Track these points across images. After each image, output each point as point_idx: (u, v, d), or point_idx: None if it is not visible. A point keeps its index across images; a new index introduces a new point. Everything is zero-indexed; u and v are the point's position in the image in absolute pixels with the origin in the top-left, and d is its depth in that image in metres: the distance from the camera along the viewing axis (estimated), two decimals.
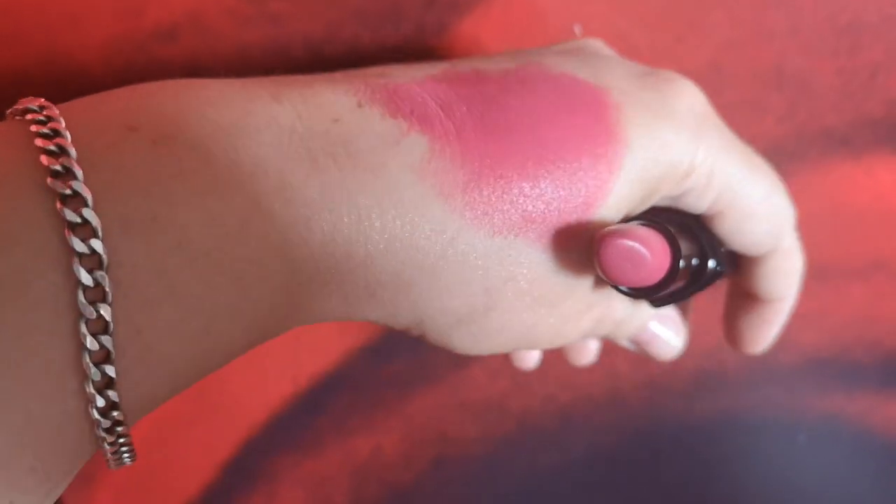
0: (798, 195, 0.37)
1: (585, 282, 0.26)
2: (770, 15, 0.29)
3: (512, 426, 0.41)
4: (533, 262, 0.25)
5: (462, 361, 0.40)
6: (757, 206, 0.28)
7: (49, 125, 0.19)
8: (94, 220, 0.18)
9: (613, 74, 0.26)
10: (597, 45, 0.28)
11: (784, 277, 0.31)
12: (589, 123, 0.24)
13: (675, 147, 0.25)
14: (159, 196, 0.19)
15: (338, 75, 0.24)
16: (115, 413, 0.19)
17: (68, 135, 0.19)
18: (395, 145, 0.22)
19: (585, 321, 0.27)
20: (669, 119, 0.25)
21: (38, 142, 0.19)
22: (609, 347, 0.40)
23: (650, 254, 0.24)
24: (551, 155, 0.24)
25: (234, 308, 0.21)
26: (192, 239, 0.20)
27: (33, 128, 0.19)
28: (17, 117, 0.20)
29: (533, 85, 0.24)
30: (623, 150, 0.24)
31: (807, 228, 0.37)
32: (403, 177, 0.22)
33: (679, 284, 0.26)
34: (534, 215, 0.24)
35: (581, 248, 0.25)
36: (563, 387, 0.41)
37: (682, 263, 0.25)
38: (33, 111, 0.20)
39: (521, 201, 0.24)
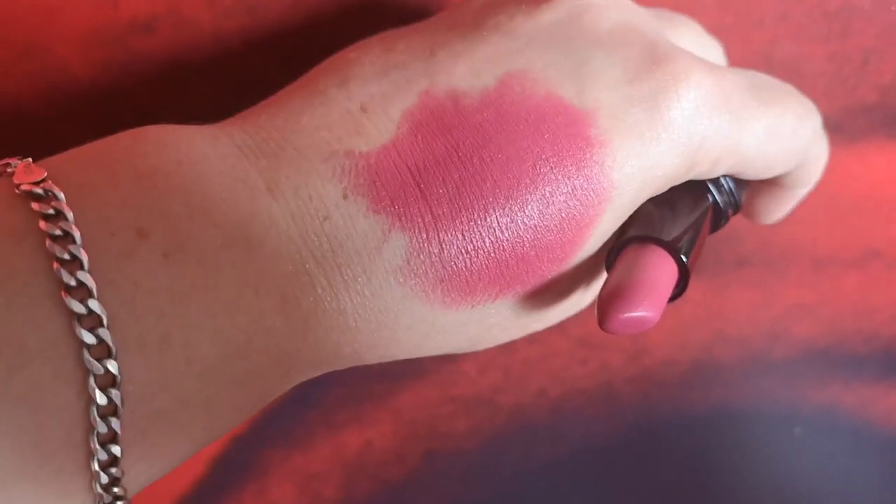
0: None
1: (575, 293, 0.26)
2: (759, 0, 0.29)
3: (503, 421, 0.41)
4: (515, 307, 0.25)
5: (452, 356, 0.39)
6: (774, 157, 0.27)
7: (57, 223, 0.19)
8: (110, 341, 0.19)
9: (602, 84, 0.24)
10: (596, 12, 0.25)
11: (807, 173, 0.30)
12: (571, 174, 0.23)
13: (669, 167, 0.25)
14: (173, 316, 0.20)
15: (319, 117, 0.23)
16: (118, 503, 0.21)
17: (78, 235, 0.19)
18: (378, 251, 0.23)
19: (587, 296, 0.28)
20: (664, 137, 0.24)
21: (49, 244, 0.19)
22: (600, 341, 0.40)
23: (656, 308, 0.23)
24: (528, 221, 0.23)
25: (237, 407, 0.22)
26: (200, 356, 0.20)
27: (42, 225, 0.19)
28: (16, 189, 0.20)
29: (514, 127, 0.23)
30: (610, 193, 0.24)
31: (800, 218, 0.37)
32: (387, 282, 0.23)
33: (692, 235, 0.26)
34: (513, 280, 0.24)
35: (562, 280, 0.25)
36: (555, 381, 0.41)
37: (689, 239, 0.25)
38: (37, 197, 0.20)
39: (499, 272, 0.24)
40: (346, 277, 0.22)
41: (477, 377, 0.40)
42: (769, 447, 0.44)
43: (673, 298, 0.25)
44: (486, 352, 0.39)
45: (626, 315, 0.23)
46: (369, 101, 0.23)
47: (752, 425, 0.43)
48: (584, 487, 0.44)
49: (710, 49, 0.29)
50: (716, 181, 0.28)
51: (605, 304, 0.23)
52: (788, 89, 0.27)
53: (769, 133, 0.26)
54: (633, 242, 0.25)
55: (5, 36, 0.28)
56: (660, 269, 0.24)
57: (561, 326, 0.39)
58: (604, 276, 0.27)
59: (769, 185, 0.30)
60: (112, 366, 0.19)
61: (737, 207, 0.28)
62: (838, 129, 0.36)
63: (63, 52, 0.29)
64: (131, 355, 0.19)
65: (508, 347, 0.40)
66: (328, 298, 0.22)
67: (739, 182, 0.28)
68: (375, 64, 0.24)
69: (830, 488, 0.45)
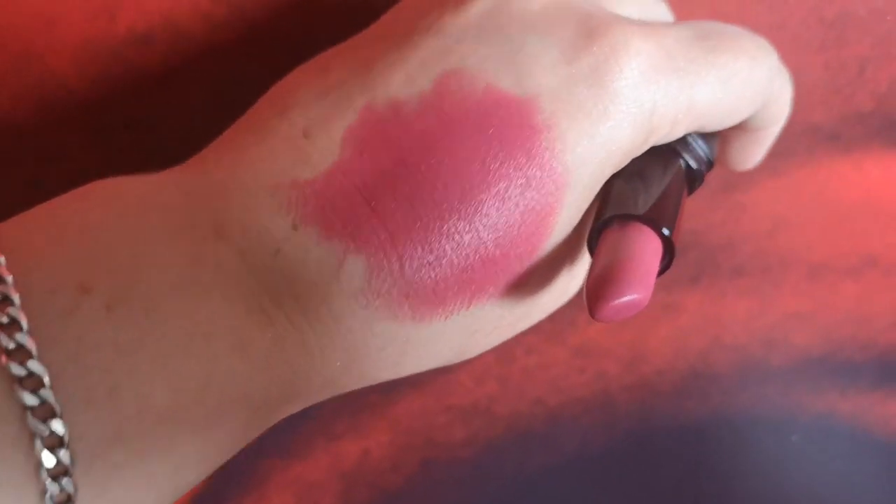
0: (787, 192, 0.37)
1: (559, 280, 0.26)
2: (754, 10, 0.29)
3: (500, 430, 0.41)
4: (493, 310, 0.25)
5: (447, 367, 0.39)
6: (734, 104, 0.26)
7: None
8: (53, 401, 0.19)
9: (541, 68, 0.23)
10: None
11: (775, 111, 0.29)
12: (523, 165, 0.23)
13: (624, 139, 0.24)
14: (120, 368, 0.20)
15: (264, 150, 0.23)
16: None
17: (17, 297, 0.19)
18: (335, 278, 0.22)
19: (574, 281, 0.27)
20: (613, 111, 0.23)
21: None
22: (598, 350, 0.40)
23: (645, 288, 0.23)
24: (486, 220, 0.23)
25: (200, 453, 0.21)
26: (153, 405, 0.20)
27: None
28: None
29: (457, 127, 0.23)
30: (566, 178, 0.23)
31: (796, 226, 0.37)
32: (349, 307, 0.22)
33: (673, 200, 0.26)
34: (483, 283, 0.23)
35: (538, 272, 0.25)
36: (552, 390, 0.41)
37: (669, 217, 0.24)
38: None
39: (467, 277, 0.23)
40: (304, 309, 0.22)
41: (473, 387, 0.40)
42: (766, 455, 0.44)
43: (661, 272, 0.24)
44: (482, 361, 0.39)
45: (615, 301, 0.22)
46: (311, 125, 0.23)
47: (749, 433, 0.43)
48: (581, 496, 0.43)
49: (654, 8, 0.28)
50: (682, 142, 0.27)
51: (593, 294, 0.23)
52: (737, 31, 0.26)
53: (723, 81, 0.25)
54: (610, 223, 0.24)
55: (1, 47, 0.28)
56: (643, 247, 0.24)
57: (558, 335, 0.39)
58: (587, 256, 0.26)
59: (739, 130, 0.29)
60: (58, 425, 0.19)
61: (710, 163, 0.28)
62: (835, 137, 0.36)
63: (58, 64, 0.29)
64: (79, 412, 0.19)
65: (505, 357, 0.40)
66: (288, 333, 0.22)
67: (708, 136, 0.28)
68: (313, 87, 0.24)
69: (828, 496, 0.45)
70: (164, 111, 0.30)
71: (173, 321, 0.20)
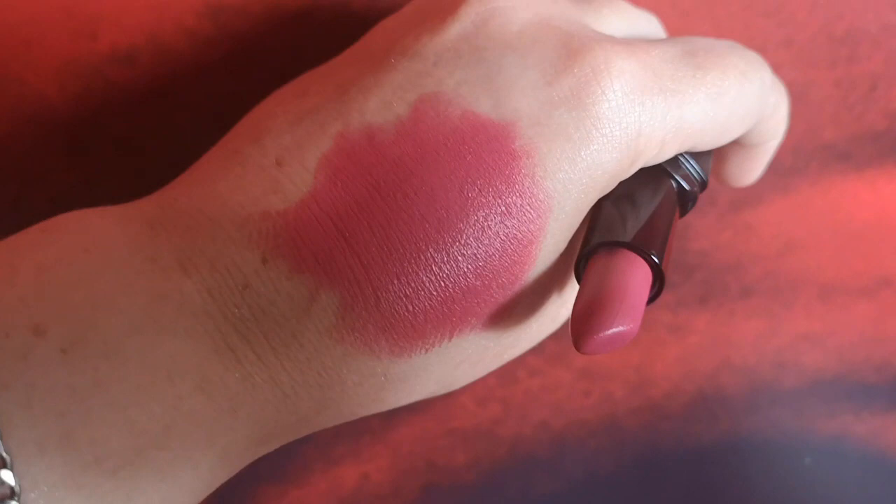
0: (799, 211, 0.36)
1: (548, 307, 0.25)
2: (761, 26, 0.28)
3: (503, 453, 0.40)
4: (478, 342, 0.24)
5: None
6: (726, 123, 0.25)
7: None
8: (2, 450, 0.18)
9: (519, 91, 0.23)
10: (502, 15, 0.24)
11: (771, 127, 0.28)
12: (502, 192, 0.22)
13: (608, 163, 0.23)
14: (75, 413, 0.19)
15: (235, 180, 0.22)
16: None
17: None
18: (307, 313, 0.21)
19: (564, 308, 0.26)
20: (595, 134, 0.23)
21: None
22: (603, 372, 0.39)
23: (633, 319, 0.22)
24: (466, 250, 0.22)
25: (167, 499, 0.21)
26: (111, 452, 0.19)
27: None
28: None
29: (434, 154, 0.22)
30: (547, 204, 0.22)
31: (809, 246, 0.36)
32: (322, 343, 0.22)
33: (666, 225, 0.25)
34: (464, 314, 0.23)
35: (524, 300, 0.24)
36: (557, 413, 0.40)
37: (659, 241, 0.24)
38: None
39: (446, 309, 0.22)
40: (274, 346, 0.21)
41: (476, 409, 0.39)
42: (778, 479, 0.43)
43: (651, 301, 0.23)
44: (484, 383, 0.39)
45: (601, 334, 0.22)
46: (284, 153, 0.22)
47: (760, 457, 0.43)
48: None
49: (643, 23, 0.27)
50: (672, 162, 0.26)
51: (578, 326, 0.22)
52: (726, 47, 0.25)
53: (712, 99, 0.24)
54: (597, 250, 0.23)
55: None
56: (631, 275, 0.23)
57: (562, 357, 0.39)
58: (574, 281, 0.26)
59: (736, 146, 0.28)
60: (8, 476, 0.18)
61: (703, 184, 0.27)
62: (846, 156, 0.35)
63: (40, 83, 0.28)
64: (31, 462, 0.18)
65: (508, 379, 0.39)
66: (257, 371, 0.21)
67: (700, 155, 0.27)
68: (289, 113, 0.23)
69: None
70: (149, 130, 0.29)
71: (133, 362, 0.20)
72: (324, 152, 0.22)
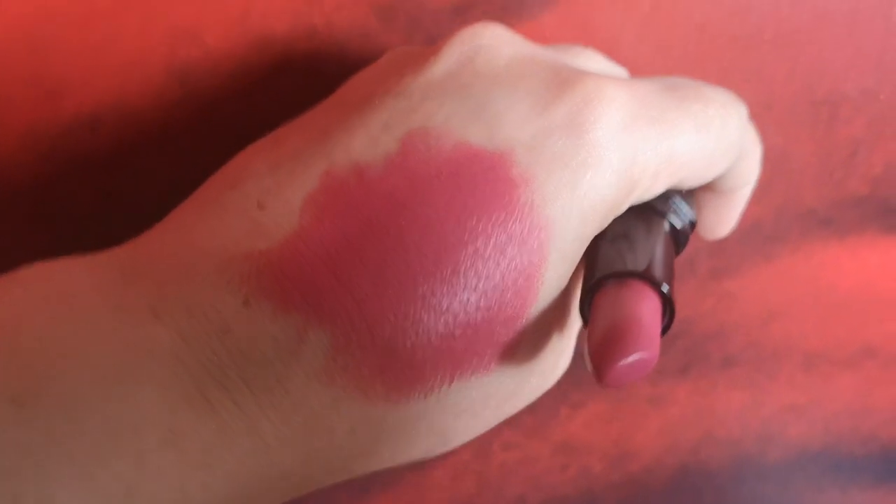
0: (781, 279, 0.36)
1: (548, 354, 0.24)
2: (741, 90, 0.28)
3: None
4: (479, 388, 0.22)
5: (420, 463, 0.37)
6: (713, 154, 0.25)
7: None
8: None
9: (512, 121, 0.22)
10: (488, 52, 0.24)
11: (747, 168, 0.27)
12: (501, 221, 0.21)
13: (607, 190, 0.22)
14: (27, 473, 0.17)
15: (213, 224, 0.21)
16: None
17: None
18: (294, 355, 0.20)
19: (563, 357, 0.25)
20: (592, 161, 0.22)
21: None
22: (581, 446, 0.38)
23: (652, 346, 0.21)
24: (466, 282, 0.21)
25: None
26: None
27: None
28: None
29: (427, 186, 0.21)
30: (548, 232, 0.22)
31: (792, 315, 0.36)
32: (310, 387, 0.20)
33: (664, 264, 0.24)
34: (466, 354, 0.21)
35: (527, 341, 0.23)
36: (534, 488, 0.39)
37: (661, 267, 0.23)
38: None
39: (447, 348, 0.21)
40: (256, 392, 0.20)
41: (450, 484, 0.38)
42: None
43: (663, 333, 0.23)
44: (459, 458, 0.38)
45: (623, 362, 0.21)
46: (265, 196, 0.21)
47: None
48: None
49: (618, 72, 0.27)
50: (663, 201, 0.26)
51: (598, 357, 0.21)
52: (702, 83, 0.25)
53: (700, 129, 0.24)
54: (604, 283, 0.23)
55: None
56: (643, 304, 0.22)
57: (539, 430, 0.38)
58: (576, 329, 0.25)
59: (711, 193, 0.28)
60: None
61: (692, 224, 0.27)
62: (828, 222, 0.35)
63: (4, 147, 0.27)
64: None
65: (483, 452, 0.38)
66: (235, 421, 0.20)
67: (686, 196, 0.27)
68: (268, 159, 0.22)
69: None
70: (115, 196, 0.29)
71: (94, 416, 0.18)
72: (309, 192, 0.21)
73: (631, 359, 0.21)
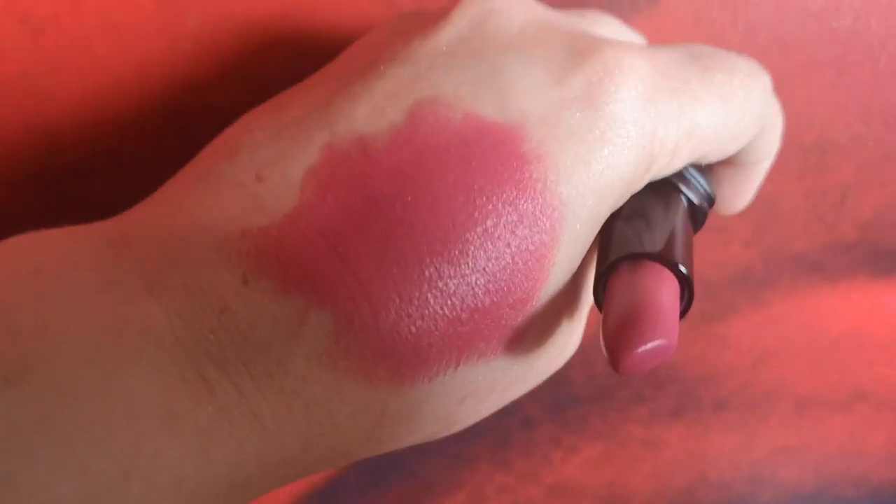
0: (771, 323, 0.36)
1: (557, 337, 0.23)
2: None
3: None
4: (485, 373, 0.21)
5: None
6: (736, 126, 0.24)
7: None
8: None
9: (525, 92, 0.21)
10: (500, 16, 0.23)
11: (768, 142, 0.26)
12: (512, 199, 0.20)
13: (624, 168, 0.21)
14: (16, 453, 0.16)
15: (209, 198, 0.20)
16: None
17: None
18: (295, 337, 0.19)
19: (571, 342, 0.24)
20: (610, 135, 0.21)
21: None
22: (574, 489, 0.38)
23: (671, 331, 0.20)
24: (474, 263, 0.20)
25: None
26: (60, 498, 0.17)
27: None
28: None
29: (435, 161, 0.20)
30: (561, 211, 0.21)
31: (783, 358, 0.36)
32: (311, 370, 0.19)
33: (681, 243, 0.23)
34: (472, 337, 0.21)
35: (535, 325, 0.22)
36: None
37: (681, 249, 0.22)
38: None
39: (453, 331, 0.20)
40: (255, 375, 0.19)
41: None
42: None
43: (681, 315, 0.22)
44: (455, 499, 0.37)
45: (642, 349, 0.19)
46: (264, 167, 0.20)
47: None
48: None
49: (635, 38, 0.26)
50: (681, 177, 0.25)
51: (615, 344, 0.20)
52: (722, 51, 0.24)
53: (724, 100, 0.23)
54: (619, 265, 0.22)
55: None
56: (661, 287, 0.21)
57: (532, 474, 0.37)
58: (585, 311, 0.24)
59: (729, 167, 0.27)
60: None
61: (711, 200, 0.26)
62: (818, 267, 0.35)
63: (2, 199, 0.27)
64: None
65: (476, 496, 0.38)
66: (234, 404, 0.19)
67: (705, 171, 0.26)
68: (266, 128, 0.21)
69: None
70: None
71: (87, 396, 0.17)
72: (310, 165, 0.20)
73: (649, 346, 0.20)
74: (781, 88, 0.31)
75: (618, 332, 0.20)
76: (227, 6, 0.27)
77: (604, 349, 0.20)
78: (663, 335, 0.20)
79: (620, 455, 0.38)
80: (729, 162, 0.26)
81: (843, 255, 0.35)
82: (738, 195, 0.28)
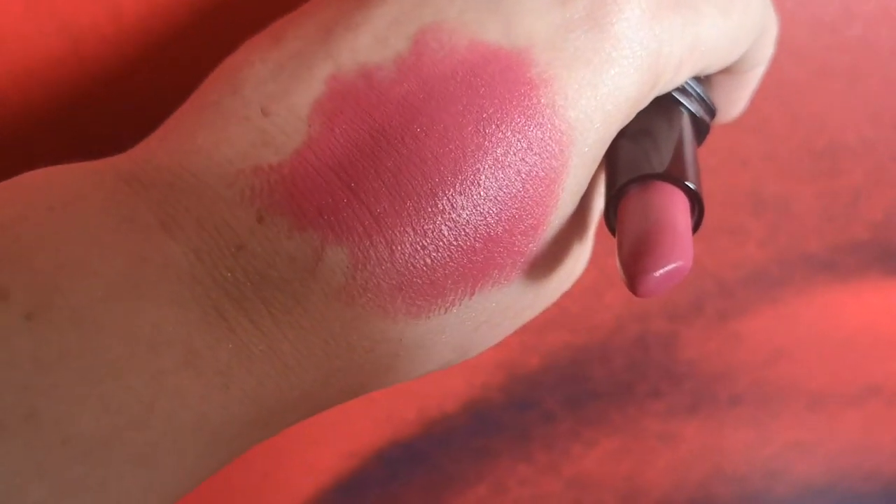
0: (785, 321, 0.37)
1: (567, 259, 0.23)
2: (744, 141, 0.29)
3: None
4: (499, 299, 0.22)
5: (437, 497, 0.38)
6: (737, 34, 0.23)
7: None
8: None
9: (530, 14, 0.20)
10: None
11: (763, 48, 0.26)
12: (521, 126, 0.20)
13: (631, 87, 0.21)
14: (39, 388, 0.16)
15: (217, 133, 0.20)
16: None
17: None
18: (312, 274, 0.19)
19: (580, 261, 0.25)
20: (616, 56, 0.21)
21: None
22: (593, 482, 0.39)
23: (685, 252, 0.20)
24: (486, 192, 0.20)
25: (146, 489, 0.18)
26: (82, 433, 0.17)
27: None
28: None
29: (442, 90, 0.20)
30: (570, 136, 0.21)
31: (796, 355, 0.36)
32: (329, 307, 0.19)
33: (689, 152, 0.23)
34: (486, 266, 0.21)
35: (546, 250, 0.22)
36: None
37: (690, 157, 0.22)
38: None
39: (468, 261, 0.20)
40: (274, 312, 0.19)
41: None
42: None
43: (694, 230, 0.22)
44: (475, 494, 0.38)
45: (659, 272, 0.20)
46: (269, 102, 0.20)
47: None
48: None
49: None
50: (682, 91, 0.24)
51: (632, 269, 0.20)
52: None
53: (724, 11, 0.23)
54: (627, 189, 0.22)
55: None
56: (672, 207, 0.21)
57: (552, 467, 0.38)
58: (592, 232, 0.25)
59: (725, 75, 0.26)
60: None
61: (713, 111, 0.25)
62: (830, 266, 0.35)
63: None
64: None
65: (497, 488, 0.38)
66: (253, 341, 0.19)
67: (704, 82, 0.25)
68: (267, 60, 0.21)
69: None
70: None
71: (108, 331, 0.17)
72: (316, 98, 0.20)
73: (666, 268, 0.20)
74: (794, 95, 0.32)
75: (634, 258, 0.20)
76: None
77: (622, 274, 0.20)
78: (679, 257, 0.20)
79: (638, 449, 0.39)
80: (725, 70, 0.26)
81: (855, 255, 0.35)
82: (734, 103, 0.28)
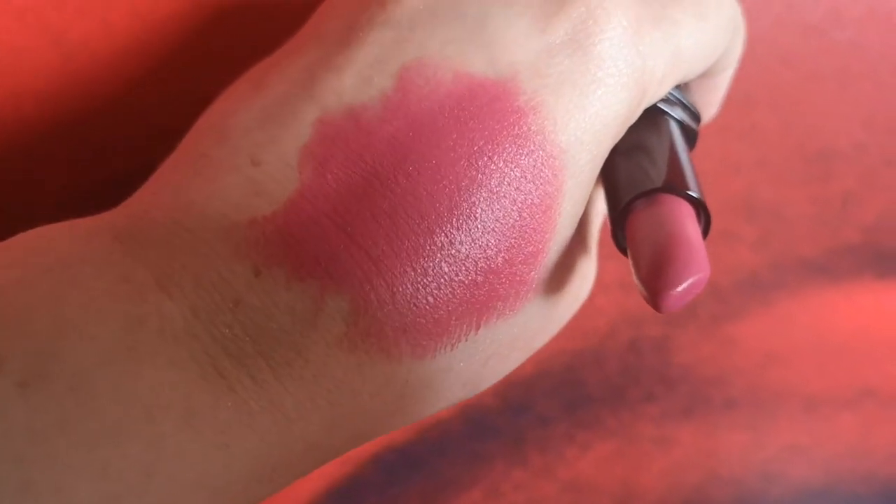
0: (779, 325, 0.37)
1: (572, 283, 0.23)
2: (736, 147, 0.29)
3: None
4: (506, 330, 0.21)
5: (431, 502, 0.38)
6: (713, 39, 0.23)
7: None
8: None
9: (512, 42, 0.20)
10: None
11: (734, 50, 0.26)
12: (513, 156, 0.20)
13: (619, 106, 0.21)
14: (35, 458, 0.16)
15: (208, 185, 0.20)
16: None
17: None
18: (312, 324, 0.19)
19: (586, 282, 0.24)
20: (602, 76, 0.21)
21: None
22: (589, 486, 0.39)
23: (703, 264, 0.20)
24: (483, 225, 0.20)
25: None
26: (80, 502, 0.16)
27: None
28: None
29: (431, 126, 0.20)
30: (562, 160, 0.21)
31: (790, 358, 0.36)
32: (331, 356, 0.19)
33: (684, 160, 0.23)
34: (489, 298, 0.20)
35: (549, 275, 0.22)
36: None
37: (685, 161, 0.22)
38: None
39: (470, 295, 0.20)
40: (274, 366, 0.19)
41: None
42: None
43: (704, 237, 0.22)
44: (470, 496, 0.38)
45: (680, 288, 0.20)
46: (259, 151, 0.20)
47: None
48: None
49: None
50: (666, 101, 0.24)
51: (653, 286, 0.20)
52: None
53: (700, 17, 0.23)
54: (633, 206, 0.22)
55: None
56: (682, 219, 0.21)
57: (548, 470, 0.38)
58: (594, 252, 0.25)
59: (700, 79, 0.26)
60: None
61: (697, 117, 0.25)
62: (823, 269, 0.35)
63: (41, 210, 0.28)
64: None
65: (493, 491, 0.38)
66: (254, 397, 0.18)
67: (683, 89, 0.26)
68: (252, 108, 0.21)
69: None
70: None
71: (105, 397, 0.17)
72: (304, 143, 0.20)
73: (687, 283, 0.20)
74: (785, 100, 0.32)
75: (654, 276, 0.20)
76: None
77: (642, 291, 0.20)
78: (698, 269, 0.20)
79: (632, 453, 0.39)
80: (701, 75, 0.26)
81: (848, 258, 0.35)
82: (710, 105, 0.28)
